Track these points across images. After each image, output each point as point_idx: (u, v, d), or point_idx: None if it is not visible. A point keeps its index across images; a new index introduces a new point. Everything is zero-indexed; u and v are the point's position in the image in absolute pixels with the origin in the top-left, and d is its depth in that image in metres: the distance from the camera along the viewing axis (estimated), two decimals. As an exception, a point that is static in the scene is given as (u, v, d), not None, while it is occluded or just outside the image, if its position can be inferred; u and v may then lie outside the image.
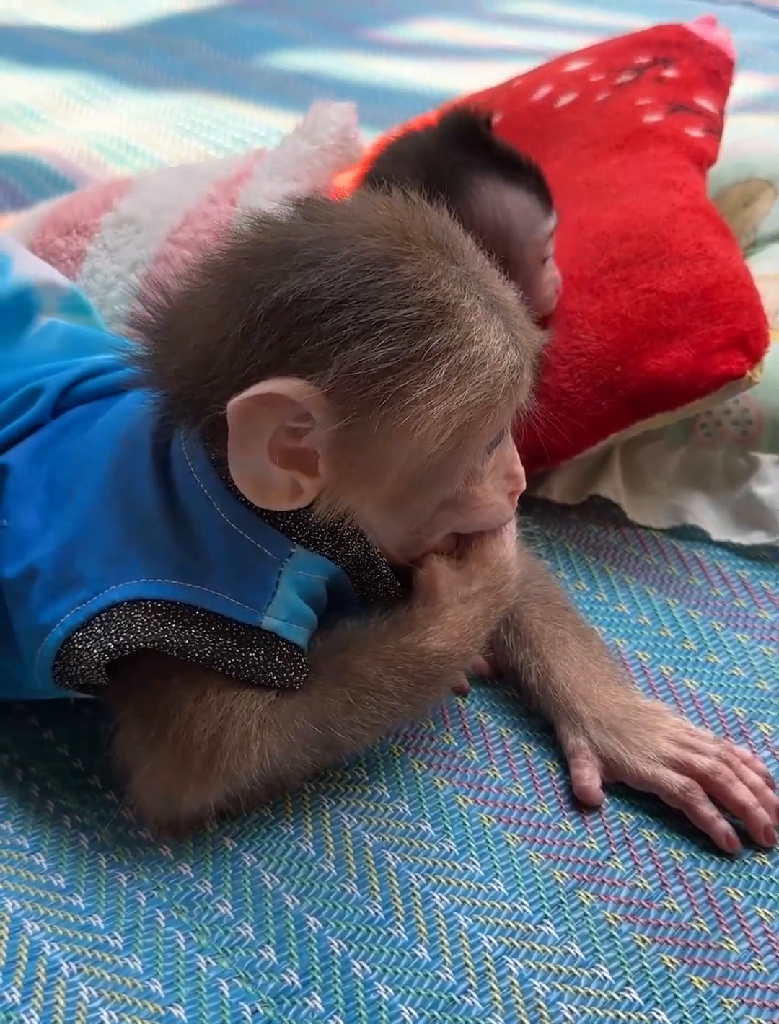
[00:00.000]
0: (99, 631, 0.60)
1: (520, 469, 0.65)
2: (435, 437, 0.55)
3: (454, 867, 0.64)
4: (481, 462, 0.61)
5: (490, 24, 2.04)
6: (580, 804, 0.67)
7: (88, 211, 0.97)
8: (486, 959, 0.59)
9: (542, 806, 0.67)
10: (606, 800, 0.67)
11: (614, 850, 0.65)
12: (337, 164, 0.94)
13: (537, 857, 0.64)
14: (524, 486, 0.66)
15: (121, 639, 0.59)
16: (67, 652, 0.61)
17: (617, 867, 0.64)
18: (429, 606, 0.66)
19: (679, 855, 0.64)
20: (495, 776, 0.70)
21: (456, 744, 0.72)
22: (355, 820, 0.67)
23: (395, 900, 0.62)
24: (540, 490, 0.90)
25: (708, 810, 0.65)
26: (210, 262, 0.59)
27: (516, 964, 0.59)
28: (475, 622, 0.66)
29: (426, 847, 0.65)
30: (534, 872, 0.64)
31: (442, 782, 0.69)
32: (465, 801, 0.68)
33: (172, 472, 0.62)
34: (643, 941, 0.60)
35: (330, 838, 0.66)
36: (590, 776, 0.67)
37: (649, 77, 1.02)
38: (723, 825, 0.64)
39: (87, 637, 0.60)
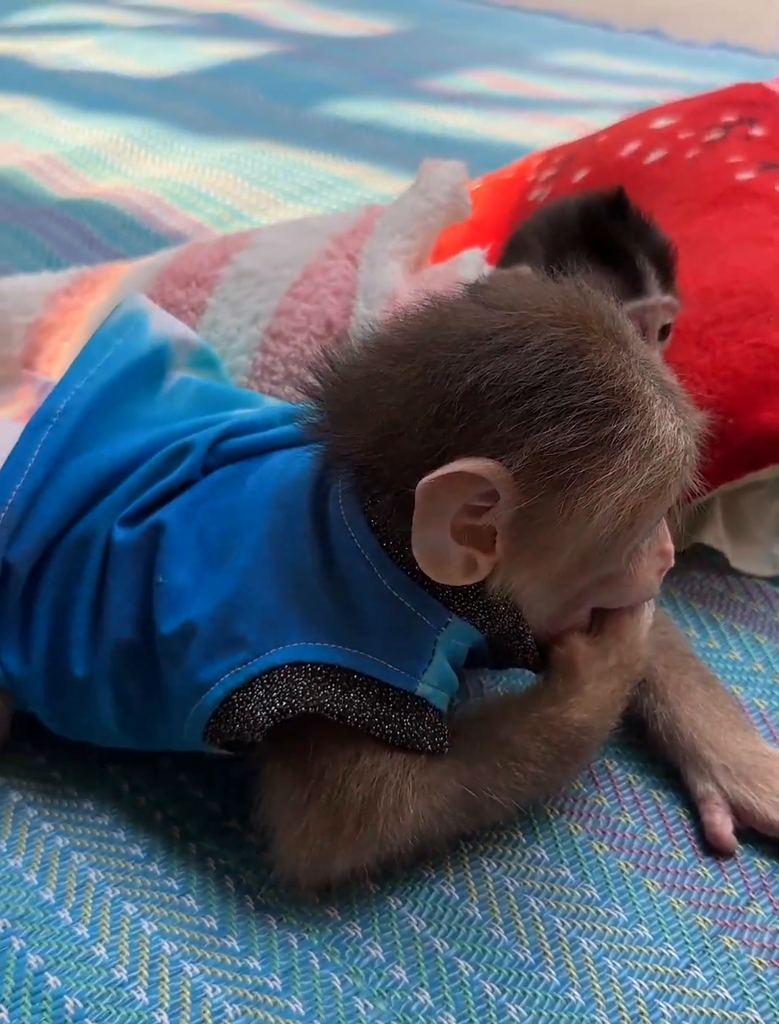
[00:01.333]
0: (261, 693, 0.61)
1: (671, 546, 0.67)
2: (612, 518, 0.57)
3: (598, 912, 0.65)
4: (646, 540, 0.63)
5: (538, 74, 2.07)
6: (714, 850, 0.68)
7: (207, 264, 0.99)
8: (639, 1003, 0.60)
9: (677, 853, 0.69)
10: (740, 846, 0.68)
11: (753, 896, 0.66)
12: (448, 221, 0.97)
13: (678, 903, 0.65)
14: (673, 563, 0.68)
15: (284, 703, 0.61)
16: (226, 711, 0.62)
17: (758, 913, 0.65)
18: (568, 680, 0.67)
19: (817, 902, 0.65)
20: (628, 822, 0.71)
21: (586, 791, 0.73)
22: (495, 865, 0.68)
23: (543, 945, 0.63)
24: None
25: None
26: (387, 343, 0.61)
27: (669, 1008, 0.60)
28: (612, 695, 0.68)
29: (568, 893, 0.66)
30: (677, 918, 0.65)
31: (576, 828, 0.70)
32: (601, 847, 0.69)
33: (330, 536, 0.64)
34: (790, 986, 0.61)
35: (472, 883, 0.67)
36: (722, 822, 0.68)
37: (737, 135, 1.05)
38: None
39: (248, 698, 0.61)
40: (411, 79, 2.03)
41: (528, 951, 0.63)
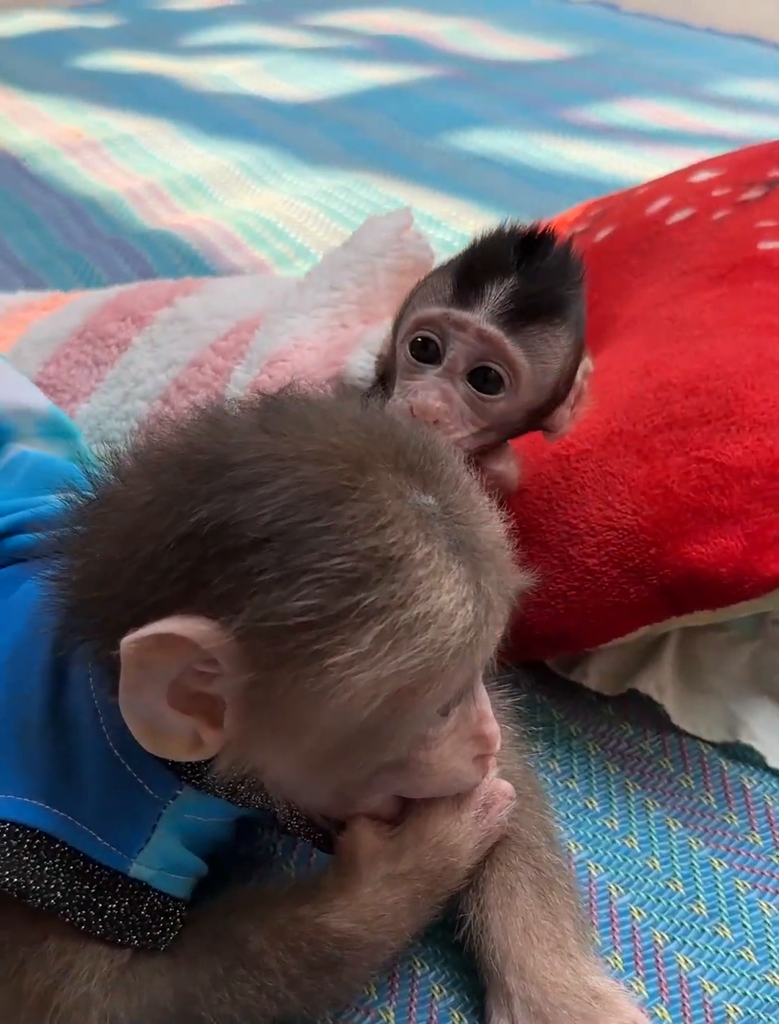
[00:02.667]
0: None
1: (492, 729, 0.54)
2: (362, 705, 0.45)
3: None
4: (432, 727, 0.51)
5: (705, 107, 1.88)
6: None
7: (148, 303, 0.92)
8: None
9: None
10: None
11: None
12: (393, 267, 0.85)
13: None
14: (496, 748, 0.55)
15: None
16: None
17: None
18: (342, 877, 0.55)
19: None
20: (406, 1049, 0.57)
21: (375, 998, 0.60)
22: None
23: None
24: (574, 673, 0.77)
25: None
26: (144, 454, 0.50)
27: None
28: (395, 908, 0.55)
29: None
30: None
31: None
32: (357, 1079, 0.56)
33: (69, 671, 0.54)
34: None
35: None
36: (501, 1072, 0.54)
37: (780, 193, 0.88)
38: None
39: None
40: (559, 108, 1.88)
41: None
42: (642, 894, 0.64)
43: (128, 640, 0.44)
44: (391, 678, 0.45)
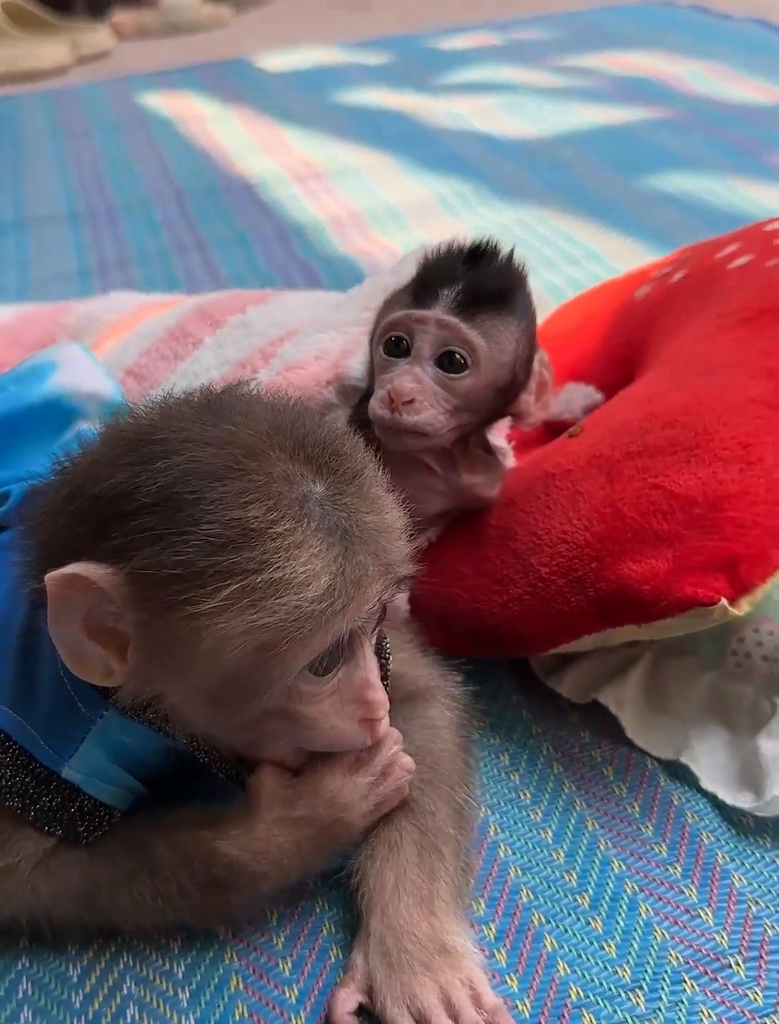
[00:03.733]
0: None
1: (377, 696, 0.62)
2: (228, 652, 0.55)
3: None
4: (304, 683, 0.59)
5: None
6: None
7: (228, 309, 1.03)
8: None
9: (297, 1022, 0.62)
10: (360, 1034, 0.61)
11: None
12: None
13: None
14: (381, 715, 0.63)
15: None
16: None
17: None
18: (244, 812, 0.64)
19: None
20: (280, 968, 0.65)
21: (275, 924, 0.68)
22: (130, 964, 0.66)
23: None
24: (551, 679, 0.82)
25: None
26: (106, 430, 0.62)
27: None
28: (282, 847, 0.63)
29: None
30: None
31: (231, 957, 0.66)
32: (238, 984, 0.64)
33: (42, 603, 0.66)
34: None
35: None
36: (345, 998, 0.61)
37: (840, 244, 0.89)
38: None
39: None
40: (770, 153, 1.88)
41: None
42: (537, 878, 0.69)
43: (48, 576, 0.56)
44: (249, 631, 0.54)
